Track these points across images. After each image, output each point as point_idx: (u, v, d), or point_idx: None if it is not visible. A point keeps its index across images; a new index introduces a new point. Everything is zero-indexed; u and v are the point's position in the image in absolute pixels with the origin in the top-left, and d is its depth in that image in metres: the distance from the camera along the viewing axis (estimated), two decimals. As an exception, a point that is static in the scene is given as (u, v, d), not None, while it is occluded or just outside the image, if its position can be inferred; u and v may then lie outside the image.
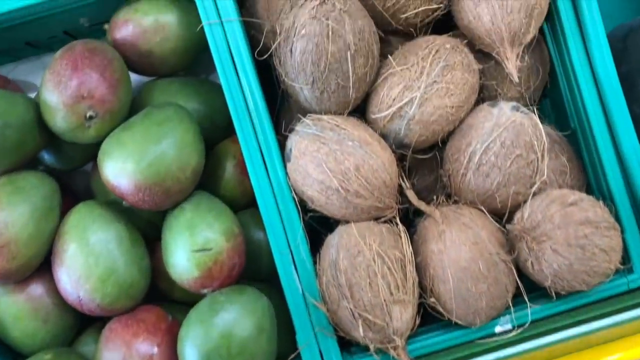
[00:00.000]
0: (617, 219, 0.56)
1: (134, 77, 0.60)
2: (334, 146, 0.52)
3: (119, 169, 0.51)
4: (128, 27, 0.57)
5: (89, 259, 0.52)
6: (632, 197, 0.57)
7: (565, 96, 0.62)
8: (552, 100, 0.66)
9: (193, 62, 0.61)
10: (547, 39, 0.62)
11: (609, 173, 0.57)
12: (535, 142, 0.53)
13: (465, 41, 0.57)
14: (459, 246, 0.53)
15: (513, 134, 0.53)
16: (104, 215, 0.54)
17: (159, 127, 0.52)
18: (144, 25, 0.56)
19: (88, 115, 0.52)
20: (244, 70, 0.54)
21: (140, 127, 0.52)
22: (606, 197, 0.58)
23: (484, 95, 0.60)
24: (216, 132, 0.61)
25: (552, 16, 0.59)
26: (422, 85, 0.53)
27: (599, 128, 0.57)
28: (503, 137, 0.53)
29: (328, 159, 0.51)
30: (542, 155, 0.54)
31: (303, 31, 0.51)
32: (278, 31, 0.53)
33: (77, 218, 0.54)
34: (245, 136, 0.54)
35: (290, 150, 0.54)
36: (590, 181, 0.62)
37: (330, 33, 0.50)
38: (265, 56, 0.54)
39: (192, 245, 0.52)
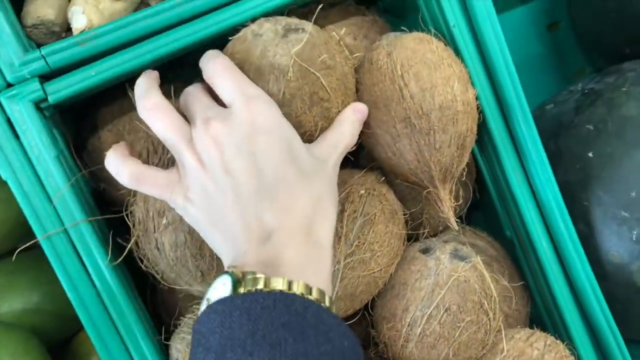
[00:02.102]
0: (575, 353, 0.49)
1: None
2: None
3: None
4: None
5: None
6: (588, 327, 0.49)
7: (497, 206, 0.53)
8: (480, 202, 0.57)
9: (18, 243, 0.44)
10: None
11: (563, 307, 0.49)
12: (485, 301, 0.44)
13: (383, 178, 0.45)
14: None
15: (458, 297, 0.43)
16: None
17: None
18: None
19: None
20: (102, 280, 0.39)
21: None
22: (557, 323, 0.50)
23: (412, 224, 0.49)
24: (68, 326, 0.45)
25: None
26: (342, 257, 0.41)
27: (544, 253, 0.48)
28: (447, 302, 0.43)
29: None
30: (495, 314, 0.44)
31: (164, 221, 0.37)
32: (130, 223, 0.38)
33: None
34: (108, 350, 0.40)
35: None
36: (534, 297, 0.54)
37: None
38: (124, 254, 0.39)
39: None
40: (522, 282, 0.53)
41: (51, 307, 0.44)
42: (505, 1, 0.67)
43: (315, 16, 0.49)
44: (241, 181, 0.35)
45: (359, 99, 0.44)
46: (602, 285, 0.47)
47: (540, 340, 0.46)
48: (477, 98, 0.44)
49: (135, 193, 0.40)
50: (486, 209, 0.57)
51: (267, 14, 0.42)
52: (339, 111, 0.41)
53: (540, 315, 0.54)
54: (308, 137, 0.40)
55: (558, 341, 0.47)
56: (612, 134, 0.47)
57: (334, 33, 0.45)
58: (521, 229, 0.50)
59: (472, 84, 0.45)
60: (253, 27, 0.40)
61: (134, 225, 0.39)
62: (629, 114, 0.47)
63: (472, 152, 0.52)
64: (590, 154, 0.48)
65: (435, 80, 0.41)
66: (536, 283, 0.52)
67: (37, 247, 0.47)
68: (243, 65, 0.39)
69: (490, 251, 0.54)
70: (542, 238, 0.49)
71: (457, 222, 0.48)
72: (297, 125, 0.39)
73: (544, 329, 0.49)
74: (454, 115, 0.41)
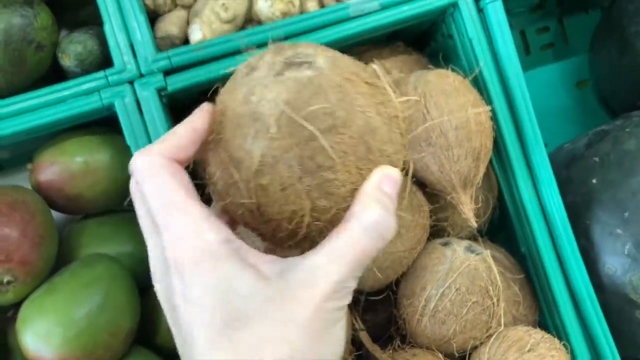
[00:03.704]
0: (572, 353, 0.55)
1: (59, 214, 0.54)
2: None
3: (41, 340, 0.45)
4: (54, 170, 0.52)
5: None
6: (585, 332, 0.56)
7: (514, 223, 0.61)
8: (501, 221, 0.66)
9: (125, 199, 0.57)
10: (494, 165, 0.61)
11: (562, 310, 0.56)
12: (491, 287, 0.52)
13: (414, 180, 0.55)
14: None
15: (468, 280, 0.51)
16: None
17: (87, 290, 0.47)
18: (72, 168, 0.52)
19: (6, 280, 0.46)
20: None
21: (66, 290, 0.47)
22: (559, 330, 0.57)
23: (436, 228, 0.58)
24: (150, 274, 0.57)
25: (497, 146, 0.58)
26: (374, 233, 0.51)
27: (550, 264, 0.56)
28: (458, 284, 0.51)
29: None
30: (498, 300, 0.52)
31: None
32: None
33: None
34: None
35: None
36: (542, 307, 0.61)
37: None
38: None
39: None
40: (531, 291, 0.61)
41: (141, 254, 0.56)
42: (541, 58, 0.78)
43: (369, 53, 0.61)
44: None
45: None
46: (598, 295, 0.55)
47: (539, 333, 0.54)
48: (491, 118, 0.54)
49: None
50: (506, 228, 0.65)
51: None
52: (354, 186, 0.30)
53: (547, 324, 0.61)
54: (295, 227, 0.30)
55: (555, 339, 0.54)
56: (613, 165, 0.56)
57: (372, 65, 0.34)
58: (532, 243, 0.58)
59: (490, 109, 0.55)
60: (252, 59, 0.32)
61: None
62: (628, 148, 0.56)
63: (495, 175, 0.62)
64: (594, 181, 0.57)
65: (451, 106, 0.51)
66: (543, 293, 0.60)
67: (133, 210, 0.60)
68: (224, 114, 0.31)
69: (505, 262, 0.62)
70: (548, 251, 0.57)
71: (477, 231, 0.57)
72: (281, 204, 0.29)
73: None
74: (467, 133, 0.51)
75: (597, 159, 0.58)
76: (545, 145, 0.77)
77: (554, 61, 0.78)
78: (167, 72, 0.52)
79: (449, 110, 0.52)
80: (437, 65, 0.62)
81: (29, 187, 0.54)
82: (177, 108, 0.60)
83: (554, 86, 0.77)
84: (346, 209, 0.30)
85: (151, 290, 0.58)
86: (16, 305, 0.49)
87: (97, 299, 0.47)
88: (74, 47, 0.51)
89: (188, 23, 0.57)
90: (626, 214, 0.54)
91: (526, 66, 0.78)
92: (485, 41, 0.57)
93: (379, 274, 0.52)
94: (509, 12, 0.75)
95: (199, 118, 0.33)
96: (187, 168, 0.33)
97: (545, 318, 0.60)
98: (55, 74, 0.56)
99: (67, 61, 0.52)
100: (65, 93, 0.50)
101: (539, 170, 0.56)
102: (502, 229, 0.67)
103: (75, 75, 0.52)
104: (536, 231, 0.57)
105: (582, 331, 0.56)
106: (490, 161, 0.61)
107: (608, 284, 0.55)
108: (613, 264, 0.54)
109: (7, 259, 0.46)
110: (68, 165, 0.52)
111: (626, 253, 0.53)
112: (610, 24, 0.66)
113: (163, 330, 0.55)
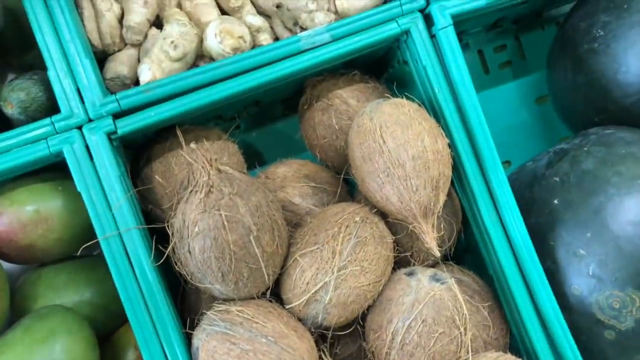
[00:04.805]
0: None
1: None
2: (246, 346, 0.47)
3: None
4: (3, 220, 0.50)
5: None
6: (555, 354, 0.56)
7: (480, 247, 0.61)
8: (468, 244, 0.66)
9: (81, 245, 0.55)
10: (455, 188, 0.61)
11: (532, 332, 0.56)
12: (457, 317, 0.51)
13: (375, 210, 0.55)
14: None
15: (434, 311, 0.51)
16: None
17: (42, 345, 0.45)
18: (22, 218, 0.50)
19: (-48, 342, 0.44)
20: (144, 278, 0.49)
21: (19, 348, 0.45)
22: (530, 353, 0.57)
23: (401, 257, 0.58)
24: (112, 320, 0.55)
25: (458, 171, 0.58)
26: (335, 269, 0.50)
27: (516, 286, 0.56)
28: (424, 315, 0.51)
29: (240, 364, 0.46)
30: (465, 329, 0.52)
31: (196, 229, 0.47)
32: (170, 232, 0.49)
33: None
34: (144, 337, 0.49)
35: (197, 349, 0.49)
36: (512, 330, 0.60)
37: (225, 223, 0.47)
38: (163, 259, 0.50)
39: None
40: (500, 314, 0.60)
41: (100, 301, 0.54)
42: (500, 76, 0.78)
43: (325, 83, 0.61)
44: None
45: (350, 155, 0.54)
46: (566, 316, 0.55)
47: (510, 358, 0.53)
48: (449, 146, 0.54)
49: (175, 209, 0.51)
50: (474, 252, 0.65)
51: (280, 79, 0.51)
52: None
53: (518, 347, 0.61)
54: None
55: (526, 364, 0.54)
56: (573, 185, 0.56)
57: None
58: (498, 267, 0.58)
59: (447, 135, 0.55)
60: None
61: (172, 234, 0.50)
62: (587, 168, 0.56)
63: (459, 199, 0.62)
64: (555, 201, 0.57)
65: (407, 136, 0.51)
66: (512, 316, 0.59)
67: (92, 254, 0.58)
68: None
69: (473, 286, 0.61)
70: (514, 274, 0.56)
71: (444, 259, 0.57)
72: None
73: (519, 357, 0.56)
74: (425, 163, 0.51)
75: (557, 179, 0.58)
76: (509, 162, 0.78)
77: (513, 79, 0.78)
78: (117, 115, 0.51)
79: (405, 141, 0.51)
80: (394, 91, 0.62)
81: (-22, 239, 0.52)
82: (131, 146, 0.59)
83: (514, 103, 0.78)
84: None
85: (112, 336, 0.57)
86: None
87: (53, 356, 0.45)
88: (16, 95, 0.50)
89: (139, 61, 0.56)
90: (588, 234, 0.53)
91: (486, 85, 0.78)
92: (439, 67, 0.57)
93: (344, 310, 0.51)
94: (465, 32, 0.76)
95: None
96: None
97: (516, 341, 0.60)
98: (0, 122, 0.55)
99: (10, 109, 0.50)
100: (10, 142, 0.49)
101: (500, 194, 0.56)
102: (469, 250, 0.67)
103: (21, 123, 0.50)
104: (501, 256, 0.57)
105: (552, 353, 0.56)
106: (453, 184, 0.60)
107: (576, 304, 0.55)
108: (579, 284, 0.54)
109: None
110: (18, 215, 0.50)
111: (590, 274, 0.53)
112: (564, 42, 0.67)
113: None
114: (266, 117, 0.72)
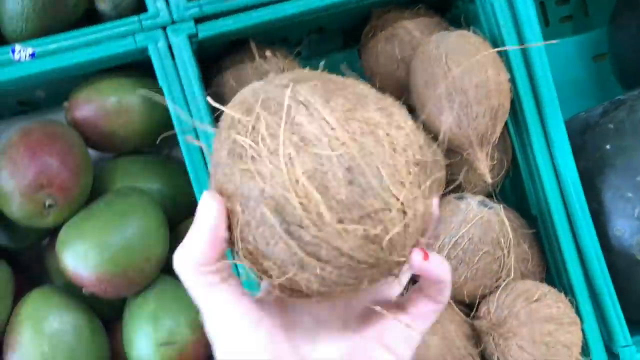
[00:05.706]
0: (577, 309, 0.57)
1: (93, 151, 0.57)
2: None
3: (80, 261, 0.48)
4: (90, 107, 0.54)
5: (46, 351, 0.49)
6: (591, 290, 0.58)
7: (527, 185, 0.63)
8: (513, 185, 0.68)
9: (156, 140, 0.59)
10: (509, 129, 0.63)
11: (570, 268, 0.58)
12: (502, 239, 0.54)
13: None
14: (427, 341, 0.52)
15: (480, 231, 0.53)
16: (61, 303, 0.52)
17: (121, 218, 0.49)
18: (106, 106, 0.54)
19: (47, 203, 0.49)
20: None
21: (102, 217, 0.49)
22: (566, 287, 0.59)
23: (451, 185, 0.60)
24: (179, 212, 0.59)
25: (514, 109, 0.60)
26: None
27: (561, 225, 0.58)
28: (471, 234, 0.53)
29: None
30: (509, 252, 0.54)
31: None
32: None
33: (31, 308, 0.51)
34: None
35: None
36: (549, 267, 0.63)
37: None
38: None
39: (155, 339, 0.50)
40: (539, 249, 0.62)
41: (169, 192, 0.58)
42: (559, 30, 0.79)
43: (391, 14, 0.63)
44: None
45: (412, 81, 0.56)
46: (606, 256, 0.57)
47: (546, 287, 0.56)
48: (509, 81, 0.56)
49: None
50: (517, 192, 0.67)
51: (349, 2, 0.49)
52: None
53: (554, 283, 0.63)
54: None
55: (562, 293, 0.56)
56: (628, 132, 0.57)
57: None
58: (543, 205, 0.60)
59: (508, 70, 0.56)
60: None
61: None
62: (643, 117, 0.57)
63: (510, 138, 0.64)
64: (607, 147, 0.58)
65: (472, 65, 0.53)
66: (552, 252, 0.62)
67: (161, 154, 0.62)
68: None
69: (516, 222, 0.64)
70: (559, 212, 0.59)
71: (489, 196, 0.59)
72: None
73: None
74: (487, 92, 0.53)
75: (611, 125, 0.59)
76: (559, 117, 0.79)
77: (573, 34, 0.79)
78: (198, 20, 0.54)
79: (469, 69, 0.53)
80: (458, 29, 0.64)
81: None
82: (203, 60, 0.62)
83: (571, 59, 0.78)
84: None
85: (178, 226, 0.61)
86: (52, 234, 0.51)
87: (131, 226, 0.50)
88: (111, -9, 0.53)
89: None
90: (638, 178, 0.55)
91: (544, 38, 0.79)
92: (507, 6, 0.58)
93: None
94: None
95: (209, 217, 0.30)
96: None
97: (552, 277, 0.62)
98: (90, 20, 0.58)
99: (103, 5, 0.54)
100: (102, 34, 0.53)
101: (554, 134, 0.58)
102: (513, 192, 0.69)
103: (110, 19, 0.54)
104: (548, 193, 0.59)
105: (588, 290, 0.58)
106: (506, 124, 0.62)
107: (616, 245, 0.57)
108: (622, 226, 0.56)
109: (48, 184, 0.48)
110: (103, 103, 0.54)
111: (636, 216, 0.55)
112: (631, -2, 0.67)
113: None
114: (327, 46, 0.75)
